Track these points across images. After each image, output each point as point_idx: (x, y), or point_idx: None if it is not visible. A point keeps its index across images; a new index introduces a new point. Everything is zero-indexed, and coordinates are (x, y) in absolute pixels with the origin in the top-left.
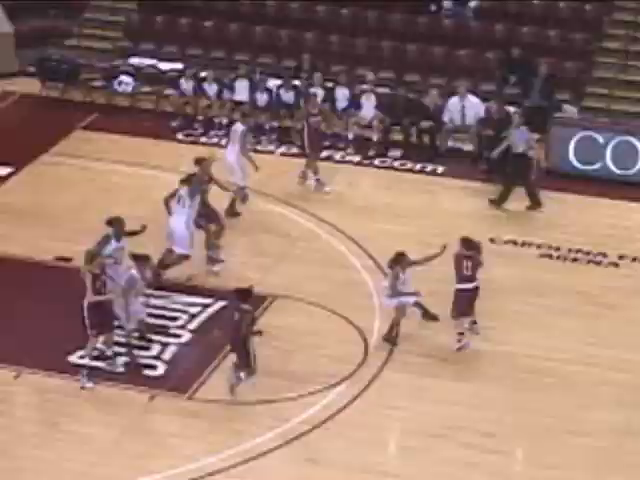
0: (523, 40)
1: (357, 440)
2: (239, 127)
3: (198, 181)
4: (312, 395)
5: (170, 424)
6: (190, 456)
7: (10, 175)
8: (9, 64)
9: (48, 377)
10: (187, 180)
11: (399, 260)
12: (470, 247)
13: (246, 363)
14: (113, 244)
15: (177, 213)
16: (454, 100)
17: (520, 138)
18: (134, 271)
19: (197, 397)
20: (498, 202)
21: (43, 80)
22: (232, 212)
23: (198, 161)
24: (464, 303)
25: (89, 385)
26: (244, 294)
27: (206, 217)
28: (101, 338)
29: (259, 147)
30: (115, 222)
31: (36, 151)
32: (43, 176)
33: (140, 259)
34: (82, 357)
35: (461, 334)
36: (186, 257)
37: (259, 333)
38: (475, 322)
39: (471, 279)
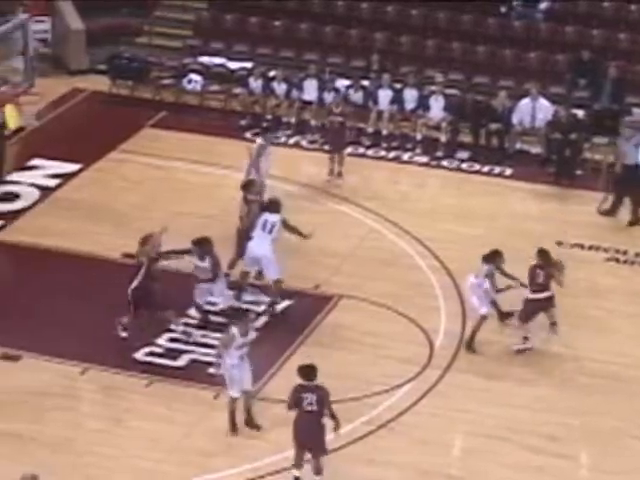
0: (593, 43)
1: (421, 441)
2: (258, 141)
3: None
4: (376, 396)
5: None
6: (253, 455)
7: (78, 172)
8: (80, 61)
9: (114, 374)
10: (247, 186)
11: (492, 258)
12: (545, 259)
13: (322, 449)
14: (195, 261)
15: (260, 238)
16: (525, 101)
17: (631, 149)
18: (234, 328)
19: (261, 396)
20: (610, 213)
21: (113, 78)
22: None
23: (246, 186)
24: (535, 312)
25: (124, 334)
26: (308, 371)
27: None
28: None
29: (326, 147)
30: (204, 243)
31: (104, 148)
32: (111, 173)
33: (240, 318)
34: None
35: (526, 338)
36: (280, 281)
37: (337, 424)
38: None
39: (545, 288)
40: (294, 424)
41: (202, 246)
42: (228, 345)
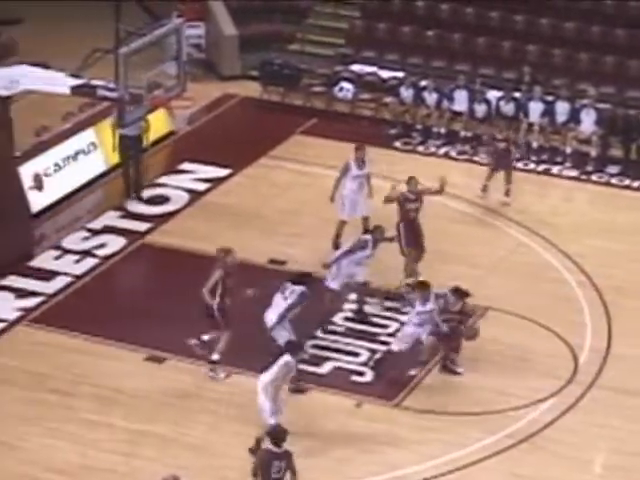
0: None
1: (562, 456)
2: (349, 159)
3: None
4: (519, 409)
5: (376, 431)
6: (394, 464)
7: (228, 177)
8: (232, 67)
9: (256, 378)
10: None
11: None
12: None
13: None
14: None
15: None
16: None
17: None
18: (291, 361)
19: (404, 405)
20: None
21: (265, 84)
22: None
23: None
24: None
25: (221, 376)
26: (280, 436)
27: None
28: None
29: (476, 158)
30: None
31: (254, 154)
32: (260, 179)
33: (297, 350)
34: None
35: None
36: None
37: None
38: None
39: None
40: None
41: (311, 284)
42: (286, 377)
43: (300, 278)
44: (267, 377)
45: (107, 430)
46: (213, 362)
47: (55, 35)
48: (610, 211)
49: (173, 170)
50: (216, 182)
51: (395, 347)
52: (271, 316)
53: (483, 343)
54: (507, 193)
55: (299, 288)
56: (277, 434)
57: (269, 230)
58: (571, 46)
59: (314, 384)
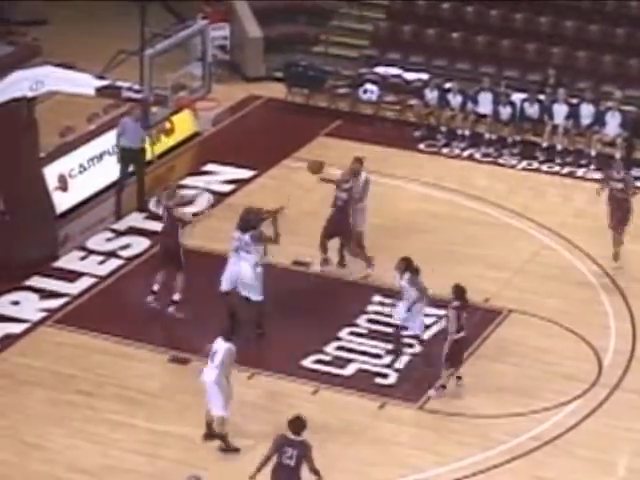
0: None
1: (586, 460)
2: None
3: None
4: (543, 412)
5: (398, 433)
6: (417, 466)
7: (253, 178)
8: (257, 68)
9: (280, 379)
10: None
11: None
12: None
13: None
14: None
15: None
16: None
17: None
18: (232, 345)
19: (428, 408)
20: None
21: (289, 85)
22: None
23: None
24: (460, 353)
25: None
26: (297, 424)
27: None
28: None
29: (500, 160)
30: None
31: (279, 155)
32: (284, 180)
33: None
34: None
35: (443, 387)
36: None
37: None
38: (460, 377)
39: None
40: (272, 473)
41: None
42: (232, 363)
43: (245, 223)
44: (215, 371)
45: (130, 431)
46: (175, 302)
47: (80, 36)
48: (635, 214)
49: (197, 172)
50: (240, 183)
51: None
52: (245, 272)
53: (507, 345)
54: (615, 256)
55: (248, 235)
56: (295, 423)
57: (292, 231)
58: (596, 48)
59: (337, 385)
